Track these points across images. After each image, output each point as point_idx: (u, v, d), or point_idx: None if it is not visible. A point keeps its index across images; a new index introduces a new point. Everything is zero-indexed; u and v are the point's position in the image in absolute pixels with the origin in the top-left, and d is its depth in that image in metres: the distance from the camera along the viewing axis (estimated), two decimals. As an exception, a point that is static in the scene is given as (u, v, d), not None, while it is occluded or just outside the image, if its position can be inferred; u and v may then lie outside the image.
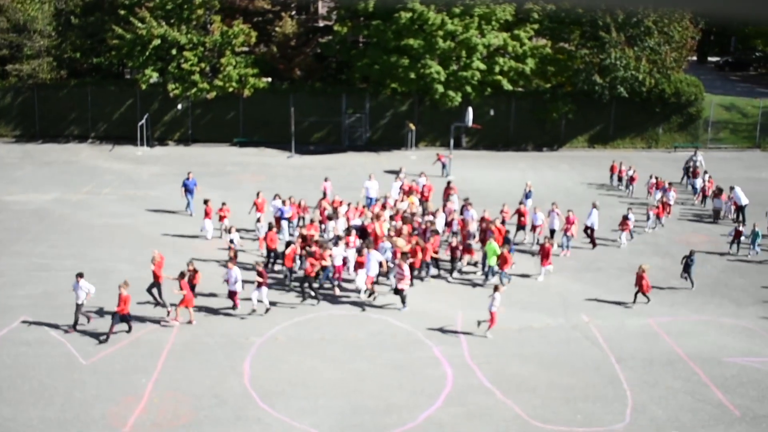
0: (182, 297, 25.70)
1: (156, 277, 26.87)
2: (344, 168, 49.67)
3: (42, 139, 55.67)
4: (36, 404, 21.24)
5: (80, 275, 25.06)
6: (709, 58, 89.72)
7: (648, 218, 37.76)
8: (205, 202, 34.96)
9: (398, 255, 28.68)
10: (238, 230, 32.44)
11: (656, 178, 42.58)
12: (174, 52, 52.93)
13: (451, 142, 50.96)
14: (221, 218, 34.83)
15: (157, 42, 52.23)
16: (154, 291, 26.94)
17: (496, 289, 25.63)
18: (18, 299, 27.20)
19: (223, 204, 35.15)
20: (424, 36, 52.11)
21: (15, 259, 31.97)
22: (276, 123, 54.62)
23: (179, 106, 54.69)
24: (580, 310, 28.26)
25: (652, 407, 21.87)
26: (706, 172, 44.55)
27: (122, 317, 24.79)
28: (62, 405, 21.25)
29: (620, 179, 45.36)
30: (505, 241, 31.22)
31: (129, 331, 25.07)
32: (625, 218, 35.52)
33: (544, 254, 30.98)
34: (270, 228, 31.35)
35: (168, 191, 43.46)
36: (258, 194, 35.88)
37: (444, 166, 48.22)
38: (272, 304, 27.22)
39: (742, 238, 34.60)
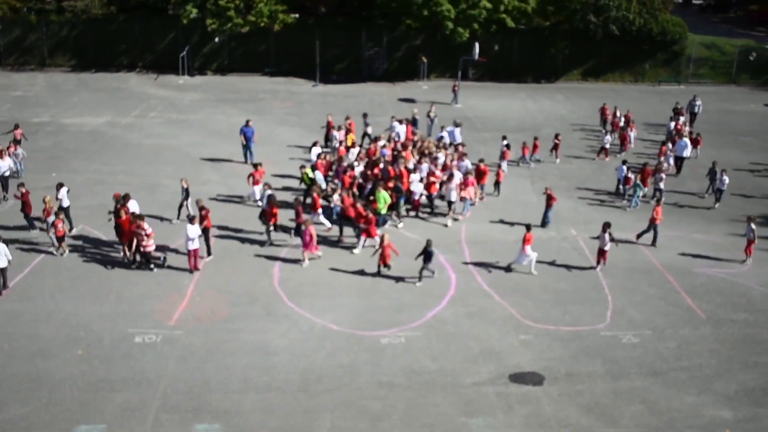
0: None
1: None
2: (364, 96, 49.27)
3: (94, 68, 55.29)
4: (93, 301, 21.68)
5: None
6: (693, 1, 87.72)
7: (523, 155, 35.18)
8: (256, 166, 29.43)
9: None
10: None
11: (625, 118, 39.60)
12: (211, -11, 52.09)
13: (459, 73, 50.41)
14: (255, 182, 28.67)
15: (196, -20, 51.35)
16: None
17: (750, 219, 25.51)
18: (77, 210, 27.37)
19: (259, 165, 29.57)
20: (436, -24, 50.91)
21: (73, 175, 32.15)
22: (303, 55, 54.06)
23: (216, 39, 54.00)
24: (570, 225, 28.34)
25: (630, 310, 22.12)
26: (692, 114, 43.42)
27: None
28: (115, 302, 21.67)
29: (606, 123, 41.51)
30: (396, 189, 27.50)
31: (136, 264, 23.78)
32: (507, 147, 33.31)
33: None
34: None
35: (206, 115, 43.43)
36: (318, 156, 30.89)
37: (455, 95, 47.83)
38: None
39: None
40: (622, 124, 39.34)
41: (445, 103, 46.57)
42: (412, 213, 28.80)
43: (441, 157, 30.84)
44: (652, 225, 26.52)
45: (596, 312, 21.97)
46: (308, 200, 27.71)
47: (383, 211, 26.72)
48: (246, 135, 34.22)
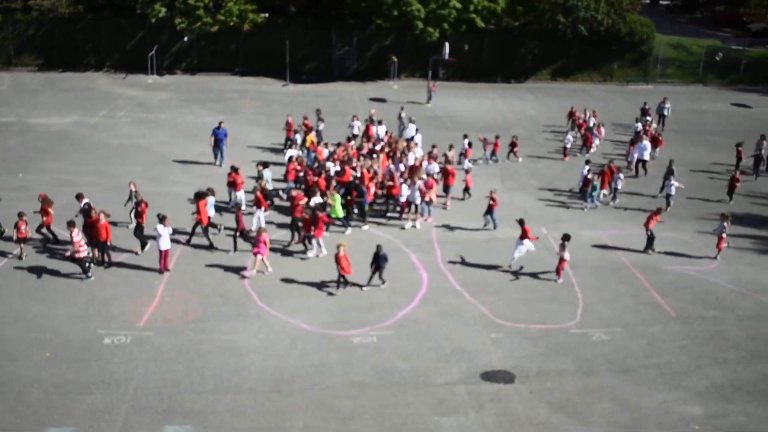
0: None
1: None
2: (334, 96, 49.20)
3: (61, 68, 54.62)
4: (62, 302, 21.41)
5: None
6: (661, 1, 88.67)
7: (485, 150, 35.84)
8: (235, 170, 28.15)
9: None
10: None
11: (591, 121, 40.00)
12: (180, -12, 51.71)
13: (430, 73, 50.52)
14: (236, 186, 27.94)
15: (164, -21, 50.93)
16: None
17: (724, 217, 25.89)
18: (44, 210, 27.10)
19: (236, 170, 28.23)
20: (407, -25, 50.97)
21: (40, 175, 31.76)
22: (273, 54, 53.85)
23: (186, 39, 53.64)
24: (540, 224, 28.46)
25: (600, 308, 22.28)
26: (661, 116, 43.73)
27: (103, 245, 23.42)
28: (85, 303, 21.42)
29: (573, 124, 41.52)
30: (359, 193, 27.56)
31: (107, 264, 23.75)
32: (469, 145, 34.00)
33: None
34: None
35: (176, 115, 43.12)
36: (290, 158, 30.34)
37: (430, 94, 48.02)
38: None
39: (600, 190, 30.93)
40: (591, 124, 39.57)
41: (419, 103, 46.75)
42: (399, 214, 28.74)
43: (411, 157, 30.93)
44: (648, 231, 26.44)
45: (566, 310, 22.10)
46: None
47: (340, 214, 26.83)
48: (217, 137, 33.72)
